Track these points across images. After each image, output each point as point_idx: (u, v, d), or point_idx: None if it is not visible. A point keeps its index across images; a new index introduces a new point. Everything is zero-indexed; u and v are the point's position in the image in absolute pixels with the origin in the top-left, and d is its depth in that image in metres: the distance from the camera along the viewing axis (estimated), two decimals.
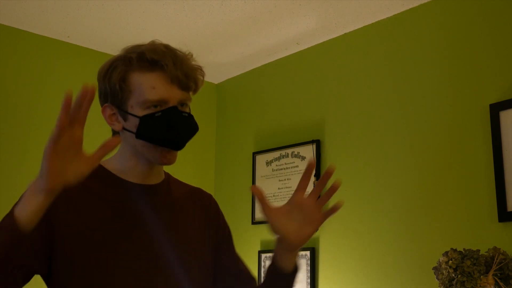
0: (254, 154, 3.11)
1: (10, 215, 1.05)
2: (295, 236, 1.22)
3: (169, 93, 1.21)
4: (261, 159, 3.06)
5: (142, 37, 2.70)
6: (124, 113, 1.24)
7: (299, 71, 3.00)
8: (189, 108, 1.29)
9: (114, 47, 3.01)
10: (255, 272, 2.93)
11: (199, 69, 1.27)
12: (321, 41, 2.88)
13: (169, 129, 1.21)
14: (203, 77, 1.29)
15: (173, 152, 1.25)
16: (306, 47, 2.95)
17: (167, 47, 1.25)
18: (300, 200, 1.23)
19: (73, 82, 2.91)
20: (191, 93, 1.27)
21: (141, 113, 1.21)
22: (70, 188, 1.11)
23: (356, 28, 2.73)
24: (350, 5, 2.50)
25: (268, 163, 3.02)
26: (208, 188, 3.28)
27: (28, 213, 1.03)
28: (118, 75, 1.23)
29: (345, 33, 2.78)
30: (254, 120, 3.21)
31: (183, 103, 1.25)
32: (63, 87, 2.87)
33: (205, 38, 2.87)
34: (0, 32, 2.71)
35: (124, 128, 1.25)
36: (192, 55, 1.27)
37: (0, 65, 2.70)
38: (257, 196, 1.19)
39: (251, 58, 3.12)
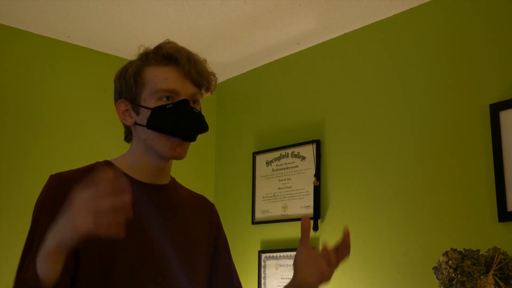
0: (254, 154, 3.11)
1: (34, 275, 1.04)
2: (309, 277, 1.19)
3: (181, 86, 1.25)
4: (261, 159, 3.06)
5: (142, 37, 2.70)
6: (137, 107, 1.27)
7: (299, 71, 3.00)
8: (200, 108, 1.31)
9: (114, 47, 3.03)
10: (255, 272, 2.93)
11: (212, 73, 1.31)
12: (321, 41, 2.88)
13: (179, 120, 1.24)
14: (216, 82, 1.33)
15: (183, 145, 1.27)
16: (306, 47, 2.95)
17: (183, 47, 1.30)
18: (311, 254, 1.19)
19: (73, 82, 2.91)
20: (203, 91, 1.30)
21: (153, 104, 1.25)
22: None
23: (356, 28, 2.72)
24: (350, 5, 2.50)
25: (268, 163, 3.02)
26: (208, 188, 3.31)
27: (52, 276, 1.04)
28: (133, 69, 1.28)
29: (345, 33, 2.78)
30: (254, 120, 3.21)
31: (195, 100, 1.28)
32: (63, 87, 2.87)
33: (205, 38, 2.87)
34: (0, 32, 2.71)
35: (136, 123, 1.28)
36: (206, 61, 1.32)
37: (0, 65, 2.70)
38: (305, 228, 1.19)
39: (251, 58, 3.12)
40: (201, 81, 1.28)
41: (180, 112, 1.24)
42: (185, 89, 1.26)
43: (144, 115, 1.25)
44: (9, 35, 2.74)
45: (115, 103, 1.31)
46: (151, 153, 1.28)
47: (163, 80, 1.25)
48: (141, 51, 1.31)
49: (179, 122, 1.23)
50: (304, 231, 1.19)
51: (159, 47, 1.29)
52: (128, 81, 1.27)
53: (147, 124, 1.24)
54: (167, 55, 1.27)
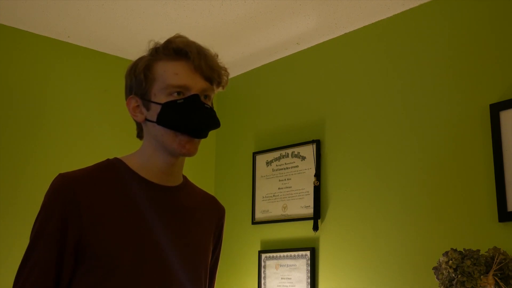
0: (254, 154, 3.11)
1: None
2: None
3: (192, 81, 1.23)
4: (261, 159, 3.06)
5: (142, 37, 2.69)
6: (147, 102, 1.25)
7: (299, 71, 3.00)
8: (212, 104, 1.29)
9: (114, 47, 3.03)
10: (255, 272, 2.93)
11: (224, 68, 1.29)
12: (321, 41, 2.88)
13: (189, 116, 1.21)
14: (228, 78, 1.30)
15: (193, 142, 1.24)
16: (306, 47, 2.95)
17: (193, 41, 1.28)
18: None
19: (73, 82, 2.91)
20: (214, 86, 1.27)
21: (163, 100, 1.23)
22: (93, 187, 1.16)
23: (356, 28, 2.73)
24: (350, 5, 2.50)
25: (268, 163, 3.02)
26: (208, 188, 3.28)
27: None
28: (143, 64, 1.26)
29: (345, 33, 2.78)
30: (254, 120, 3.21)
31: (206, 96, 1.26)
32: (63, 87, 2.87)
33: (205, 38, 2.85)
34: (0, 32, 2.71)
35: (146, 119, 1.26)
36: (217, 56, 1.29)
37: (0, 65, 2.70)
38: None
39: (251, 58, 3.12)
40: (212, 76, 1.25)
41: (190, 108, 1.21)
42: (196, 84, 1.23)
43: (154, 110, 1.23)
44: (9, 35, 2.74)
45: (126, 99, 1.29)
46: (161, 150, 1.26)
47: (173, 75, 1.22)
48: (151, 46, 1.29)
49: (189, 118, 1.21)
50: None
51: (169, 42, 1.27)
52: (138, 76, 1.25)
53: (157, 120, 1.22)
54: (177, 49, 1.25)
